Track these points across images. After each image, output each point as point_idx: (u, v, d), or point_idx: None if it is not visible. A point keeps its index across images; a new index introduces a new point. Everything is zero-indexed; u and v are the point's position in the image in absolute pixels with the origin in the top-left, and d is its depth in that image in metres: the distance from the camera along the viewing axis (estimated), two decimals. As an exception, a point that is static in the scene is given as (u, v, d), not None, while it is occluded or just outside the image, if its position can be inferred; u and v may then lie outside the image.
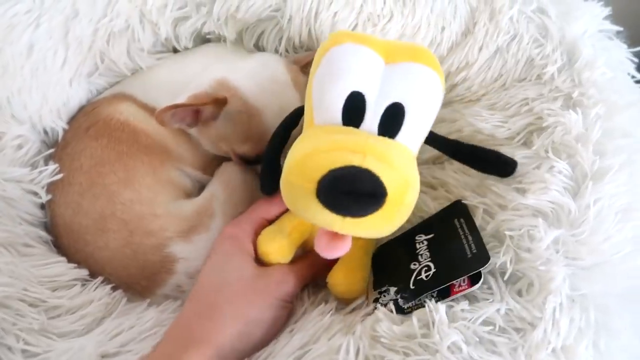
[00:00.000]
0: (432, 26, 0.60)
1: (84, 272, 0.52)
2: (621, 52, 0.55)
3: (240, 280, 0.43)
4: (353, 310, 0.45)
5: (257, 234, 0.47)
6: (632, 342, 0.42)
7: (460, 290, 0.41)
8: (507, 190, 0.47)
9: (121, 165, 0.56)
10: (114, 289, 0.51)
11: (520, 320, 0.39)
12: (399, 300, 0.43)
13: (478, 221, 0.46)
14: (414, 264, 0.45)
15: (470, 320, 0.39)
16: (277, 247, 0.46)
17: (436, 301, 0.41)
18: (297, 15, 0.61)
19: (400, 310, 0.43)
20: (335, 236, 0.40)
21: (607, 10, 0.56)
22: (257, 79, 0.57)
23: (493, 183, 0.48)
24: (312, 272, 0.47)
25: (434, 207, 0.52)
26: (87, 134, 0.58)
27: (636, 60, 0.55)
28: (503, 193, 0.47)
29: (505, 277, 0.42)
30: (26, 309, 0.44)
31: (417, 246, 0.47)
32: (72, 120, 0.63)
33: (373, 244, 0.51)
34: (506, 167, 0.48)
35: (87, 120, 0.60)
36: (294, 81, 0.57)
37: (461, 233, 0.45)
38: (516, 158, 0.50)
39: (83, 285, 0.50)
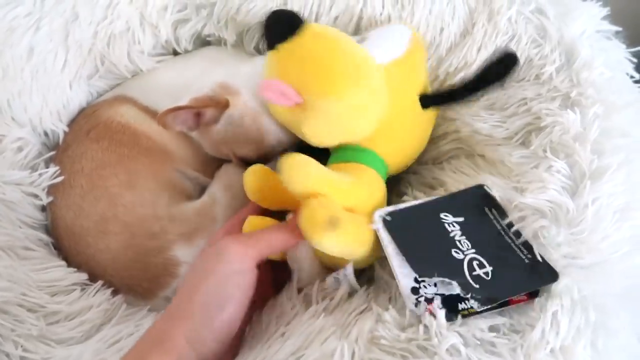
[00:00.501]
0: (431, 27, 0.60)
1: (83, 277, 0.52)
2: (620, 52, 0.55)
3: (196, 267, 0.41)
4: (343, 307, 0.44)
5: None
6: (630, 341, 0.42)
7: (520, 301, 0.39)
8: (505, 189, 0.47)
9: (122, 168, 0.56)
10: (114, 293, 0.51)
11: (518, 322, 0.39)
12: (471, 300, 0.39)
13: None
14: (457, 252, 0.41)
15: (474, 326, 0.38)
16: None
17: (496, 308, 0.39)
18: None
19: (453, 310, 0.39)
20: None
21: (605, 11, 0.56)
22: (258, 82, 0.57)
23: (492, 182, 0.48)
24: (282, 237, 0.43)
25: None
26: (88, 137, 0.59)
27: (635, 60, 0.55)
28: (502, 192, 0.47)
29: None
30: (25, 314, 0.44)
31: (449, 228, 0.43)
32: (73, 122, 0.63)
33: (380, 198, 0.48)
34: (508, 58, 0.49)
35: (87, 122, 0.61)
36: None
37: (499, 227, 0.43)
38: (514, 158, 0.50)
39: (82, 290, 0.50)
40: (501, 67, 0.49)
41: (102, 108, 0.62)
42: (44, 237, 0.55)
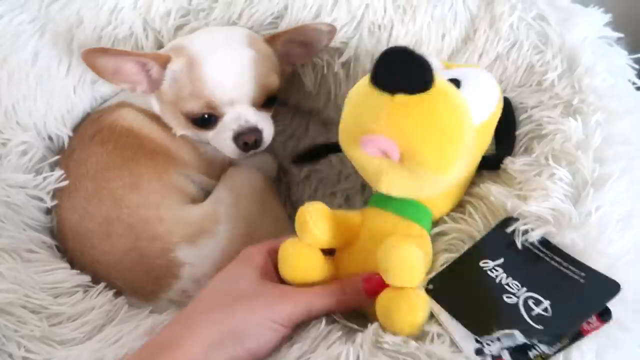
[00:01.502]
0: (433, 33, 0.60)
1: (86, 279, 0.52)
2: (621, 58, 0.55)
3: (229, 291, 0.40)
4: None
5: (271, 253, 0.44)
6: (633, 350, 0.42)
7: (593, 329, 0.37)
8: (509, 197, 0.47)
9: (127, 170, 0.57)
10: (117, 295, 0.52)
11: None
12: (537, 347, 0.36)
13: (479, 228, 0.47)
14: (508, 297, 0.39)
15: None
16: (303, 256, 0.42)
17: (569, 344, 0.36)
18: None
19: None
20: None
21: (607, 17, 0.56)
22: (208, 38, 0.59)
23: (497, 190, 0.48)
24: (329, 303, 0.41)
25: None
26: (93, 141, 0.59)
27: (637, 66, 0.55)
28: (505, 200, 0.47)
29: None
30: (28, 315, 0.45)
31: (492, 274, 0.40)
32: (78, 127, 0.64)
33: (429, 262, 0.45)
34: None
35: (92, 127, 0.62)
36: (249, 43, 0.57)
37: (541, 255, 0.40)
38: (517, 165, 0.50)
39: (85, 291, 0.50)
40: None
41: (106, 113, 0.63)
42: (48, 239, 0.56)
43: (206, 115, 0.56)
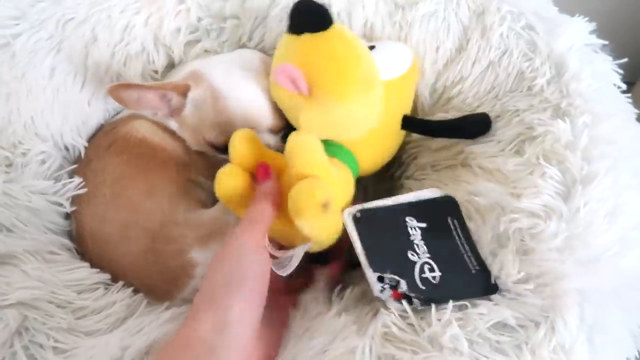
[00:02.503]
0: (428, 46, 0.63)
1: (106, 276, 0.55)
2: (606, 64, 0.58)
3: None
4: (363, 304, 0.47)
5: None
6: (623, 337, 0.44)
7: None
8: (502, 195, 0.50)
9: (142, 178, 0.60)
10: (135, 292, 0.54)
11: (522, 319, 0.42)
12: (414, 299, 0.44)
13: (477, 224, 0.49)
14: (412, 254, 0.45)
15: (478, 321, 0.41)
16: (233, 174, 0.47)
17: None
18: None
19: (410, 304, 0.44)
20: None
21: (592, 25, 0.59)
22: (226, 66, 0.60)
23: (491, 188, 0.51)
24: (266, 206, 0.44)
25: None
26: (109, 152, 0.62)
27: (621, 71, 0.58)
28: (499, 197, 0.50)
29: (511, 277, 0.44)
30: (54, 310, 0.47)
31: (410, 232, 0.47)
32: (93, 139, 0.67)
33: (350, 196, 0.51)
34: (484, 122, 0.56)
35: (107, 138, 0.64)
36: (267, 71, 0.58)
37: (457, 238, 0.47)
38: (509, 166, 0.53)
39: (106, 288, 0.53)
40: (475, 127, 0.57)
41: (120, 125, 0.65)
42: (67, 242, 0.59)
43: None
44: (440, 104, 0.64)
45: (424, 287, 0.44)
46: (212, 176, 0.63)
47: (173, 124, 0.63)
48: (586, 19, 0.60)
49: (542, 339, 0.41)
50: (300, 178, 0.43)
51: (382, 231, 0.47)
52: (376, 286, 0.45)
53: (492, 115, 0.58)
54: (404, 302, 0.44)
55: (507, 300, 0.44)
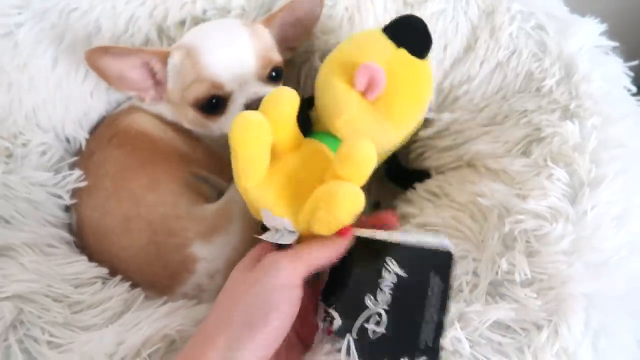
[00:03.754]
0: (435, 44, 0.62)
1: (104, 271, 0.54)
2: (617, 66, 0.57)
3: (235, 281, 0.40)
4: None
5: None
6: (628, 343, 0.44)
7: None
8: (508, 196, 0.49)
9: (144, 171, 0.59)
10: (133, 286, 0.53)
11: (525, 321, 0.41)
12: (351, 341, 0.39)
13: (480, 225, 0.49)
14: (370, 299, 0.39)
15: (478, 321, 0.41)
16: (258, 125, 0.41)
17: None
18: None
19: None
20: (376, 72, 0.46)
21: (603, 27, 0.59)
22: (202, 28, 0.60)
23: (496, 189, 0.50)
24: (322, 257, 0.40)
25: (434, 213, 0.53)
26: (110, 144, 0.62)
27: (631, 74, 0.57)
28: (504, 198, 0.49)
29: (515, 280, 0.43)
30: (51, 303, 0.47)
31: (383, 274, 0.40)
32: (95, 131, 0.66)
33: None
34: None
35: (109, 131, 0.64)
36: (245, 24, 0.58)
37: (427, 300, 0.39)
38: (515, 167, 0.52)
39: (104, 283, 0.52)
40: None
41: (121, 117, 0.65)
42: (66, 235, 0.58)
43: (214, 100, 0.55)
44: (446, 104, 0.63)
45: (356, 337, 0.39)
46: (215, 170, 0.65)
47: (165, 110, 0.62)
48: (597, 19, 0.59)
49: (544, 343, 0.40)
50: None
51: (355, 261, 0.41)
52: (320, 314, 0.41)
53: (499, 116, 0.58)
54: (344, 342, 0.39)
55: (509, 302, 0.43)
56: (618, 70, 0.57)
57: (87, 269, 0.53)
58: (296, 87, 0.68)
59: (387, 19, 0.62)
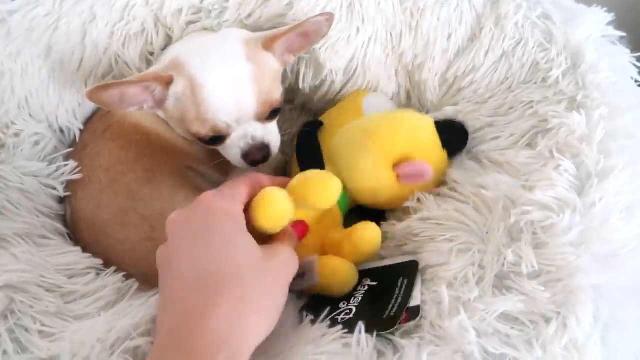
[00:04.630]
0: (440, 34, 0.61)
1: (98, 262, 0.53)
2: (624, 56, 0.56)
3: (252, 268, 0.38)
4: None
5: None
6: (638, 337, 0.43)
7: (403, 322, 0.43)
8: (513, 187, 0.48)
9: (139, 165, 0.58)
10: (127, 277, 0.52)
11: (534, 313, 0.40)
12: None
13: (485, 217, 0.48)
14: (343, 303, 0.46)
15: (485, 311, 0.40)
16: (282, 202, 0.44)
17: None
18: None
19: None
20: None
21: (610, 16, 0.58)
22: (205, 54, 0.57)
23: (501, 180, 0.49)
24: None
25: (436, 206, 0.53)
26: (104, 136, 0.60)
27: (639, 64, 0.56)
28: (509, 190, 0.48)
29: (522, 272, 0.42)
30: (43, 293, 0.46)
31: (358, 288, 0.48)
32: (88, 123, 0.65)
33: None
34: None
35: (102, 123, 0.62)
36: (248, 56, 0.56)
37: (396, 294, 0.45)
38: (521, 158, 0.51)
39: (97, 273, 0.51)
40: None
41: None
42: (60, 226, 0.57)
43: (213, 136, 0.56)
44: (449, 95, 0.62)
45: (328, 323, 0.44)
46: (211, 165, 0.63)
47: (162, 115, 0.61)
48: (604, 9, 0.58)
49: (553, 336, 0.39)
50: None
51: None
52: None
53: (504, 107, 0.57)
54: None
55: (516, 295, 0.42)
56: (625, 60, 0.56)
57: (80, 260, 0.52)
58: (296, 78, 0.69)
59: (388, 5, 0.61)
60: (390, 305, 0.44)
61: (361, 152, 0.54)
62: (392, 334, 0.42)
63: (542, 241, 0.44)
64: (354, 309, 0.45)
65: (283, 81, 0.69)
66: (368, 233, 0.50)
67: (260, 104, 0.56)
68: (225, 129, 0.56)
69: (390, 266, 0.50)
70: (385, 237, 0.53)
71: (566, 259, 0.42)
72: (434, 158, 0.54)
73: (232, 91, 0.55)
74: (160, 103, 0.57)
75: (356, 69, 0.64)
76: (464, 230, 0.48)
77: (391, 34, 0.62)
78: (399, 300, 0.44)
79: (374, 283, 0.48)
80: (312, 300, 0.48)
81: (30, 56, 0.61)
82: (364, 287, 0.48)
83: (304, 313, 0.46)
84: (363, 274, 0.50)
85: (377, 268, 0.50)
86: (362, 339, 0.40)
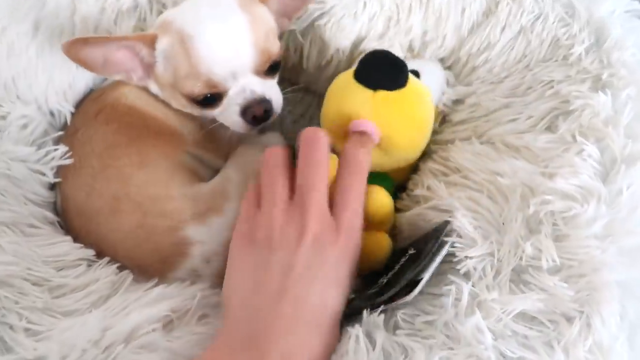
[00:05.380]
0: (452, 8, 0.57)
1: (90, 252, 0.51)
2: (650, 32, 0.52)
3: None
4: None
5: None
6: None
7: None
8: (532, 174, 0.45)
9: (134, 149, 0.55)
10: (121, 268, 0.50)
11: (554, 312, 0.38)
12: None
13: (501, 206, 0.44)
14: (382, 279, 0.44)
15: (502, 311, 0.37)
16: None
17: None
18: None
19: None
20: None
21: (635, -10, 0.54)
22: (195, 9, 0.54)
23: (519, 167, 0.46)
24: None
25: (448, 195, 0.50)
26: (97, 120, 0.58)
27: (667, 41, 0.52)
28: (527, 177, 0.45)
29: (541, 266, 0.40)
30: (29, 287, 0.43)
31: (401, 259, 0.45)
32: (80, 106, 0.62)
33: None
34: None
35: (94, 105, 0.60)
36: (242, 6, 0.53)
37: (422, 260, 0.42)
38: (540, 143, 0.48)
39: (89, 265, 0.49)
40: None
41: (108, 90, 0.61)
42: (50, 215, 0.54)
43: (209, 95, 0.53)
44: (463, 75, 0.58)
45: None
46: (209, 148, 0.61)
47: (154, 88, 0.58)
48: (629, -18, 0.54)
49: (576, 337, 0.37)
50: None
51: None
52: None
53: (522, 87, 0.53)
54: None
55: (535, 292, 0.39)
56: (652, 37, 0.52)
57: (70, 250, 0.49)
58: (299, 58, 0.65)
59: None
60: (414, 273, 0.41)
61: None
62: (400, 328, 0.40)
63: (563, 233, 0.41)
64: (388, 279, 0.43)
65: (286, 62, 0.66)
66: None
67: (257, 54, 0.52)
68: (221, 84, 0.53)
69: (427, 233, 0.47)
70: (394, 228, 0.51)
71: (590, 252, 0.39)
72: (370, 106, 0.48)
73: (225, 39, 0.51)
74: (149, 69, 0.54)
75: (363, 46, 0.60)
76: (478, 219, 0.45)
77: (399, 7, 0.58)
78: (423, 266, 0.41)
79: (414, 251, 0.45)
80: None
81: (16, 34, 0.58)
82: (405, 257, 0.45)
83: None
84: (411, 244, 0.47)
85: (423, 235, 0.47)
86: (361, 340, 0.37)
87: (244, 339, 0.38)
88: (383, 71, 0.48)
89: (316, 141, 0.44)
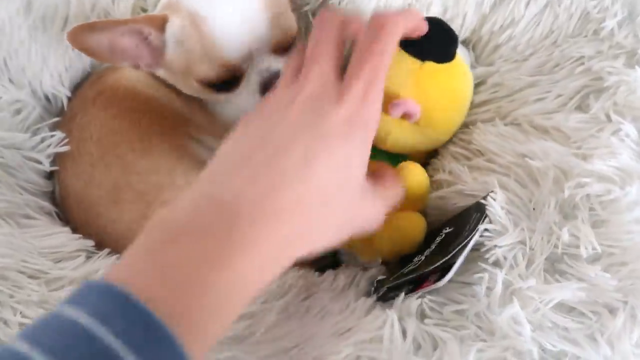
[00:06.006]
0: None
1: (89, 243, 0.48)
2: (686, 4, 0.49)
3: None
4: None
5: None
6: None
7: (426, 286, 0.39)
8: (564, 156, 0.42)
9: (135, 135, 0.52)
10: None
11: (596, 303, 0.35)
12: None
13: (531, 191, 0.42)
14: (418, 257, 0.43)
15: (540, 301, 0.34)
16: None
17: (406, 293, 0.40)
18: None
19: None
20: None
21: (669, -41, 0.50)
22: None
23: (550, 148, 0.43)
24: None
25: (472, 179, 0.47)
26: (95, 105, 0.55)
27: None
28: (560, 159, 0.42)
29: (580, 254, 0.37)
30: (25, 280, 0.41)
31: (437, 239, 0.43)
32: (78, 90, 0.59)
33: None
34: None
35: (93, 89, 0.57)
36: None
37: (462, 237, 0.40)
38: (571, 123, 0.45)
39: (88, 257, 0.46)
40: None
41: (108, 73, 0.58)
42: (46, 204, 0.52)
43: (225, 79, 0.50)
44: (484, 55, 0.55)
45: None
46: (216, 133, 0.57)
47: (162, 74, 0.55)
48: (664, -50, 0.50)
49: (620, 329, 0.34)
50: None
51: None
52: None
53: (549, 64, 0.50)
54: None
55: (572, 281, 0.36)
56: (687, 9, 0.49)
57: (69, 242, 0.47)
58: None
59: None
60: (450, 251, 0.39)
61: None
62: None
63: (601, 218, 0.38)
64: (422, 259, 0.42)
65: (296, 43, 0.62)
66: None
67: (275, 30, 0.49)
68: (238, 66, 0.49)
69: (465, 210, 0.44)
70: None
71: (633, 238, 0.36)
72: (414, 80, 0.45)
73: (241, 16, 0.48)
74: (158, 55, 0.51)
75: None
76: (507, 205, 0.42)
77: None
78: (461, 243, 0.39)
79: (450, 229, 0.43)
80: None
81: (7, 12, 0.54)
82: (441, 236, 0.43)
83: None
84: (446, 223, 0.45)
85: (457, 214, 0.45)
86: (396, 331, 0.35)
87: (241, 161, 0.34)
88: (435, 42, 0.44)
89: (325, 20, 0.38)
